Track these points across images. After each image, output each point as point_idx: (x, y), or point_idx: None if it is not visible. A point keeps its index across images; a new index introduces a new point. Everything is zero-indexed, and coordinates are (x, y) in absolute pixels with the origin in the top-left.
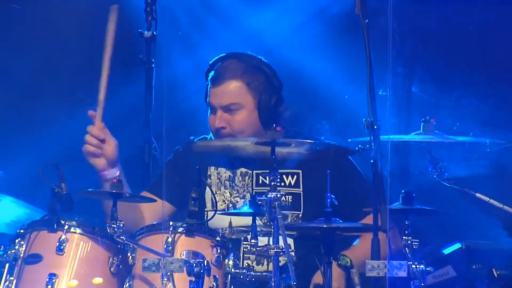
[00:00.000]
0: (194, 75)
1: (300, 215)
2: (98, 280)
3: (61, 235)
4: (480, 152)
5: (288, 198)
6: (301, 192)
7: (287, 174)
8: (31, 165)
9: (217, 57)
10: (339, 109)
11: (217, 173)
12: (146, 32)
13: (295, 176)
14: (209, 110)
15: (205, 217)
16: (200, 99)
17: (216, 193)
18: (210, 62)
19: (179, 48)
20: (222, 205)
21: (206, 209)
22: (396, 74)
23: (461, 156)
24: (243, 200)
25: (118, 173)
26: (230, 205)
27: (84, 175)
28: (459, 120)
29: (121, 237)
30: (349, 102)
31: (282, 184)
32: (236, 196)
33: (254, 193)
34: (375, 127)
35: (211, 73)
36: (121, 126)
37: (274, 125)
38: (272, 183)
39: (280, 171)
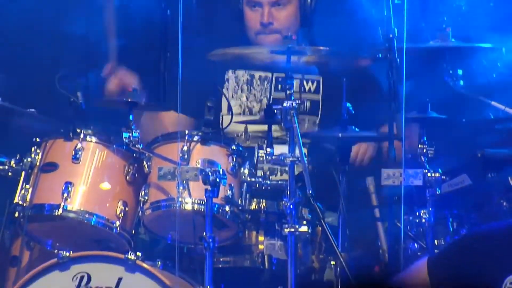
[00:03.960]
0: None
1: (317, 121)
2: (106, 186)
3: (77, 144)
4: (497, 60)
5: (307, 103)
6: (320, 99)
7: (307, 80)
8: (48, 75)
9: None
10: (355, 17)
11: (234, 76)
12: None
13: (315, 83)
14: (243, 10)
15: (220, 122)
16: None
17: (232, 97)
18: None
19: None
20: (238, 109)
21: (221, 113)
22: None
23: (477, 65)
24: (260, 105)
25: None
26: (246, 109)
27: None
28: (475, 28)
29: (136, 146)
30: (365, 11)
31: (302, 89)
32: (252, 101)
33: (271, 100)
34: (391, 35)
35: None
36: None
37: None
38: (288, 92)
39: (300, 75)
